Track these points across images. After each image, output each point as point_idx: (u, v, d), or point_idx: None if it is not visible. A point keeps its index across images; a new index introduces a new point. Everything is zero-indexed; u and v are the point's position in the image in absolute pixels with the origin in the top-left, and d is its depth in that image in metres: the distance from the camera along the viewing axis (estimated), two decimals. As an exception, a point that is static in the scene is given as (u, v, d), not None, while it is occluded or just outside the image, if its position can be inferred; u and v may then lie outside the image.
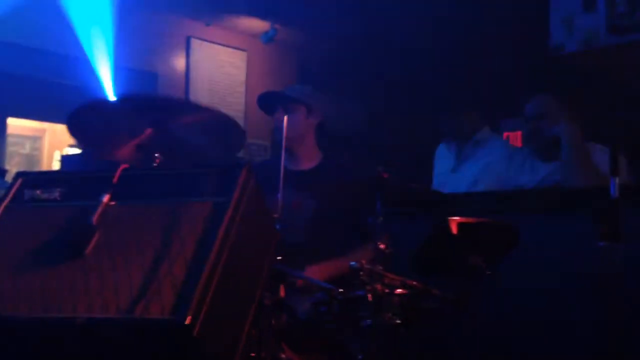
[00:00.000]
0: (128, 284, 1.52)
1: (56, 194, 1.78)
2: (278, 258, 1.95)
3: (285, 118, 2.28)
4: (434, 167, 3.96)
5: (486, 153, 3.80)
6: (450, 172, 3.80)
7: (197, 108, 2.06)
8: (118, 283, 1.53)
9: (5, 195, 1.80)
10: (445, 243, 2.14)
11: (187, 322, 1.40)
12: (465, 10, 5.31)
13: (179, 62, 6.12)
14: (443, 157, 3.93)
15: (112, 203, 1.69)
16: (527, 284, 2.45)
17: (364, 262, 2.01)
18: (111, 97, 5.09)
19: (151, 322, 1.44)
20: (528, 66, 5.09)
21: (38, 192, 1.79)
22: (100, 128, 2.11)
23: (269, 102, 2.79)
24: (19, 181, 1.82)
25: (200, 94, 6.10)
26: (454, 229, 2.07)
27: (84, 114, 2.06)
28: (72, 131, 2.12)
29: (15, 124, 5.75)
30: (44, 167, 6.61)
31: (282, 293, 1.96)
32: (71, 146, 6.21)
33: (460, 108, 3.99)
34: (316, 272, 2.37)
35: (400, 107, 6.38)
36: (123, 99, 2.14)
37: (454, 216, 2.12)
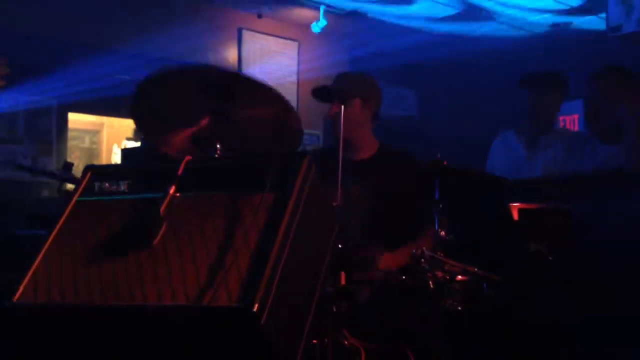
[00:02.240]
0: (195, 273, 1.56)
1: (123, 186, 1.83)
2: (339, 246, 1.97)
3: (342, 108, 2.28)
4: (491, 157, 3.86)
5: (556, 141, 3.68)
6: (525, 160, 3.69)
7: (256, 85, 2.03)
8: (185, 272, 1.57)
9: (76, 188, 1.86)
10: (507, 229, 2.12)
11: (255, 309, 1.43)
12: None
13: (231, 54, 6.19)
14: (510, 148, 3.81)
15: (178, 194, 1.73)
16: (590, 268, 2.41)
17: (424, 249, 2.01)
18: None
19: (219, 310, 1.47)
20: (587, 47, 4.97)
21: (106, 184, 1.84)
22: (160, 111, 2.14)
23: (323, 96, 2.78)
24: (88, 174, 1.87)
25: (253, 86, 6.14)
26: (515, 215, 2.05)
27: (148, 90, 2.07)
28: (134, 112, 2.13)
29: (75, 119, 5.90)
30: (103, 160, 6.77)
31: (343, 280, 1.98)
32: (128, 139, 6.35)
33: (513, 92, 3.88)
34: (390, 259, 2.37)
35: (452, 93, 6.32)
36: (187, 69, 2.11)
37: (515, 202, 2.10)
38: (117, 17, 5.31)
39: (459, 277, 2.03)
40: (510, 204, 2.04)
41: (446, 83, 6.54)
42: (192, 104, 2.04)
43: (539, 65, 4.99)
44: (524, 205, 2.05)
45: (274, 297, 1.49)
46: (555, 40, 6.17)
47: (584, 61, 4.80)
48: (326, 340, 1.87)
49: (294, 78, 6.39)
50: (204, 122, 2.06)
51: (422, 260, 1.99)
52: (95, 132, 6.99)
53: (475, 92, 5.80)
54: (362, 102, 2.75)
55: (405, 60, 6.31)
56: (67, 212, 1.80)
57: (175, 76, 2.07)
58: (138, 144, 5.24)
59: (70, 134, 5.68)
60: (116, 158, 6.60)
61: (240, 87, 2.03)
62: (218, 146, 1.99)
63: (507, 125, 3.90)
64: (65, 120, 5.44)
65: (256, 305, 1.44)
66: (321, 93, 2.76)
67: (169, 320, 1.51)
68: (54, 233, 1.75)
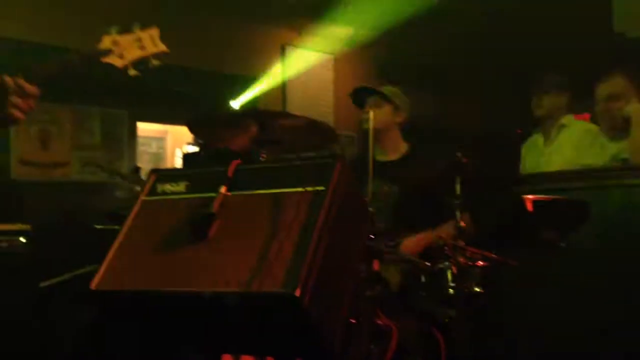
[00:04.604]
0: (245, 263, 1.56)
1: (182, 187, 1.85)
2: (371, 237, 1.95)
3: (371, 113, 2.27)
4: (521, 155, 3.77)
5: (567, 137, 3.58)
6: (540, 157, 3.61)
7: (294, 117, 2.09)
8: (237, 262, 1.58)
9: (142, 189, 1.89)
10: (521, 219, 2.08)
11: (297, 294, 1.43)
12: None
13: (275, 68, 6.22)
14: (534, 146, 3.74)
15: (229, 193, 1.74)
16: (598, 256, 2.34)
17: (447, 238, 1.98)
18: (220, 104, 5.25)
19: (266, 294, 1.48)
20: (594, 48, 4.82)
21: (168, 185, 1.87)
22: (213, 129, 2.19)
23: (360, 96, 2.77)
24: (152, 177, 1.90)
25: (295, 94, 6.17)
26: (529, 206, 2.01)
27: (201, 119, 2.15)
28: (193, 130, 2.21)
29: (143, 127, 6.00)
30: (168, 163, 6.86)
31: (376, 267, 1.97)
32: (189, 144, 6.42)
33: (531, 92, 3.77)
34: (412, 243, 2.35)
35: (475, 94, 6.23)
36: (230, 113, 2.20)
37: (529, 194, 2.05)
38: (174, 32, 5.32)
39: (479, 262, 2.00)
40: (525, 197, 2.00)
41: (469, 83, 6.45)
42: (241, 122, 2.08)
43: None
44: (537, 197, 2.00)
45: (314, 282, 1.49)
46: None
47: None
48: (362, 320, 1.86)
49: (330, 87, 6.39)
50: (254, 129, 2.08)
51: (446, 247, 1.97)
52: (161, 139, 7.10)
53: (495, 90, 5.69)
54: (394, 109, 2.73)
55: (426, 63, 6.24)
56: (135, 210, 1.83)
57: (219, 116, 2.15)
58: (197, 148, 5.30)
59: (139, 141, 5.77)
60: (179, 161, 6.69)
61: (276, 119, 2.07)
62: (263, 151, 2.00)
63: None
64: (134, 129, 5.54)
65: (298, 290, 1.44)
66: (359, 92, 2.75)
67: (222, 305, 1.52)
68: (124, 229, 1.78)
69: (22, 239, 2.85)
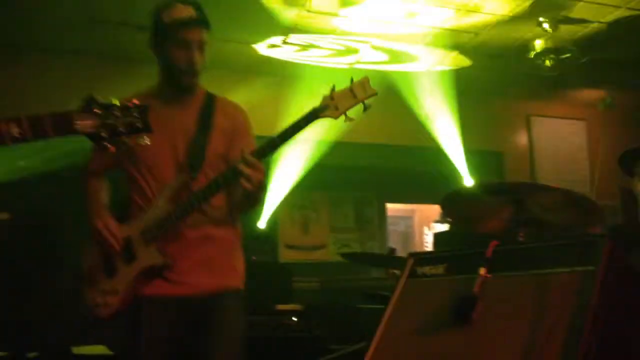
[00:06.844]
0: (512, 347, 1.53)
1: (441, 269, 1.90)
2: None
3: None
4: None
5: None
6: None
7: (548, 189, 2.03)
8: (503, 346, 1.55)
9: (403, 272, 1.99)
10: None
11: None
12: None
13: (521, 140, 6.07)
14: None
15: (489, 275, 1.74)
16: None
17: None
18: (469, 180, 5.26)
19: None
20: None
21: (427, 268, 1.93)
22: (467, 207, 2.23)
23: (631, 159, 2.50)
24: (411, 260, 2.00)
25: (545, 166, 5.92)
26: None
27: (453, 198, 2.21)
28: (445, 210, 2.28)
29: (392, 207, 6.25)
30: (416, 242, 6.99)
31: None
32: (436, 222, 6.49)
33: None
34: None
35: None
36: (484, 187, 2.21)
37: None
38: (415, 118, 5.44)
39: None
40: None
41: None
42: (494, 200, 2.08)
43: None
44: None
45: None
46: None
47: None
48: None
49: (584, 155, 6.00)
50: (508, 209, 2.06)
51: None
52: (408, 218, 7.29)
53: None
54: None
55: None
56: (397, 292, 1.93)
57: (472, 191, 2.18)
58: (444, 226, 5.34)
59: (388, 220, 6.02)
60: (426, 239, 6.77)
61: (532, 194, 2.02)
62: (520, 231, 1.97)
63: None
64: (384, 210, 5.80)
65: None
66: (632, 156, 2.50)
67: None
68: (389, 310, 1.88)
69: (295, 318, 3.14)
